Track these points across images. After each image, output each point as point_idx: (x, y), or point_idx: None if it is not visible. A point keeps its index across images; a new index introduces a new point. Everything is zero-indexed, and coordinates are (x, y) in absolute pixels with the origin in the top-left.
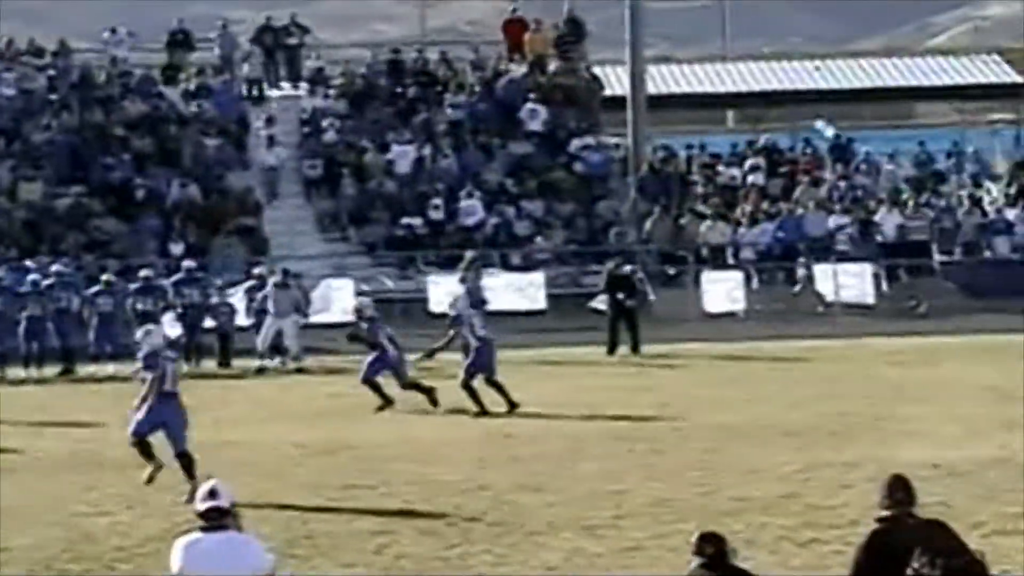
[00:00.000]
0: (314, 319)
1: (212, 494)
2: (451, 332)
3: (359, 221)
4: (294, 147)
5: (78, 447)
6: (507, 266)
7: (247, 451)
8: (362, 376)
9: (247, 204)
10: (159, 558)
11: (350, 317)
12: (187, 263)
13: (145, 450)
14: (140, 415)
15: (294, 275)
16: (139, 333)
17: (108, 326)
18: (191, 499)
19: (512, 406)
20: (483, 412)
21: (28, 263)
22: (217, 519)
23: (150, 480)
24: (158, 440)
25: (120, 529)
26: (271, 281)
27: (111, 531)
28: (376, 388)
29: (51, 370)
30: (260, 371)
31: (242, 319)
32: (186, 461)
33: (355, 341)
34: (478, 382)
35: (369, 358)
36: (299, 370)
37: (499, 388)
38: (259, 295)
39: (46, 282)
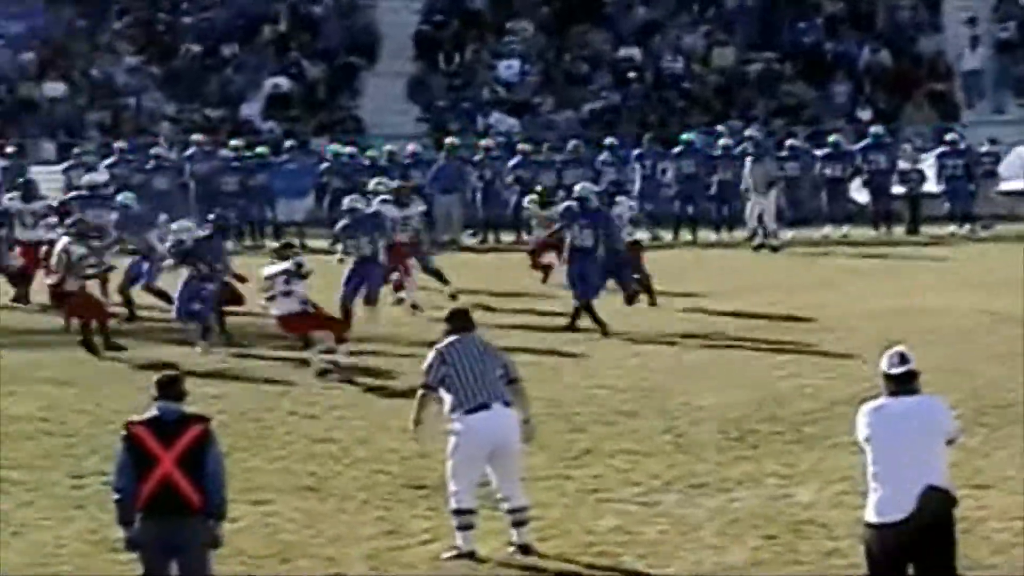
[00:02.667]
0: (1004, 187)
1: (903, 359)
2: None
3: None
4: (988, 10)
5: (760, 311)
6: None
7: (936, 318)
8: None
9: (938, 69)
10: (844, 421)
11: None
12: (875, 129)
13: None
14: None
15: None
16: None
17: (796, 192)
18: None
19: None
20: None
21: (719, 128)
22: (908, 383)
23: None
24: None
25: (808, 392)
26: None
27: (799, 393)
28: None
29: (740, 234)
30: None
31: (931, 186)
32: None
33: None
34: None
35: None
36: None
37: None
38: (950, 162)
39: (738, 148)
